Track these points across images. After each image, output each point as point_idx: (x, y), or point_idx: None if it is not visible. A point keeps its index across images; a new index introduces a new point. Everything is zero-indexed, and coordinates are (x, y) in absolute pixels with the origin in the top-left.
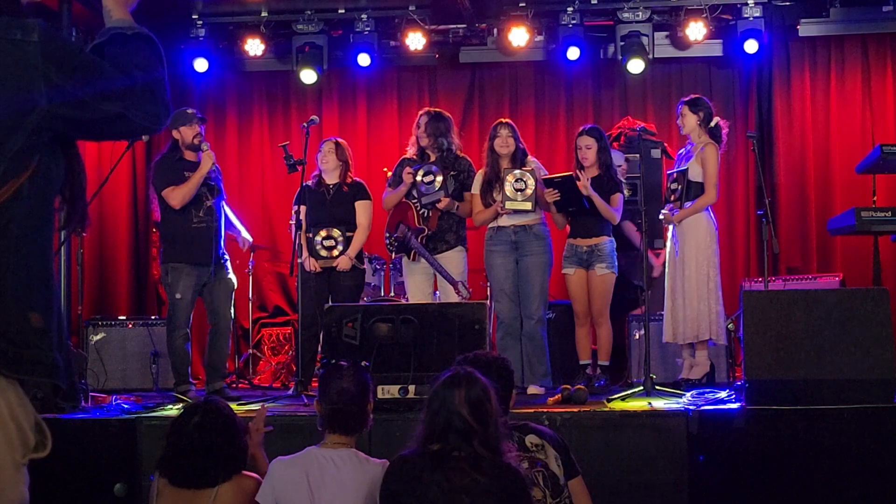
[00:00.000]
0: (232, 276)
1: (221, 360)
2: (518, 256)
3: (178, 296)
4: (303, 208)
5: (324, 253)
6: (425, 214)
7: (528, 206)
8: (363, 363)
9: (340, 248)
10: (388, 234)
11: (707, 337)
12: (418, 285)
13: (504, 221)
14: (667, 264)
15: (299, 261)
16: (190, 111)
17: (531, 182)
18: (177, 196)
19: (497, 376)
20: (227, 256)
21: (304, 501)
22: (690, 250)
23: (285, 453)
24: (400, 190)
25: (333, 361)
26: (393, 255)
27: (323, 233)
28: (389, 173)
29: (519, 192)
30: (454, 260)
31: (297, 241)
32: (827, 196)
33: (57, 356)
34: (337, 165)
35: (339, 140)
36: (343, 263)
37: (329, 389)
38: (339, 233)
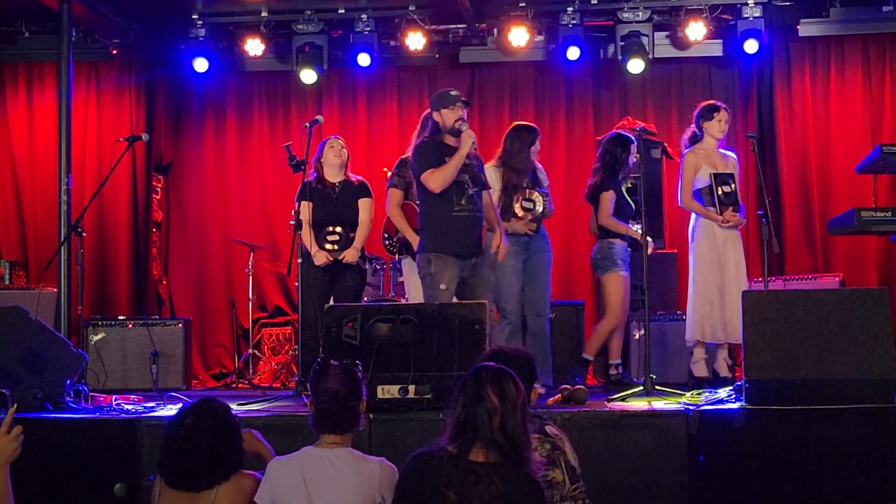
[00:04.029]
0: (488, 269)
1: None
2: (527, 256)
3: (442, 286)
4: (307, 205)
5: (329, 247)
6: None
7: (534, 226)
8: (356, 362)
9: (338, 246)
10: (386, 235)
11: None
12: (420, 285)
13: (520, 228)
14: (699, 264)
15: (299, 261)
16: (454, 92)
17: (539, 204)
18: (436, 179)
19: (519, 370)
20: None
21: (302, 501)
22: (732, 253)
23: (285, 453)
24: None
25: (323, 360)
26: (396, 256)
27: (328, 229)
28: (389, 173)
29: (528, 212)
30: None
31: (296, 241)
32: (827, 196)
33: None
34: (344, 163)
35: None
36: (350, 256)
37: (318, 389)
38: (344, 232)
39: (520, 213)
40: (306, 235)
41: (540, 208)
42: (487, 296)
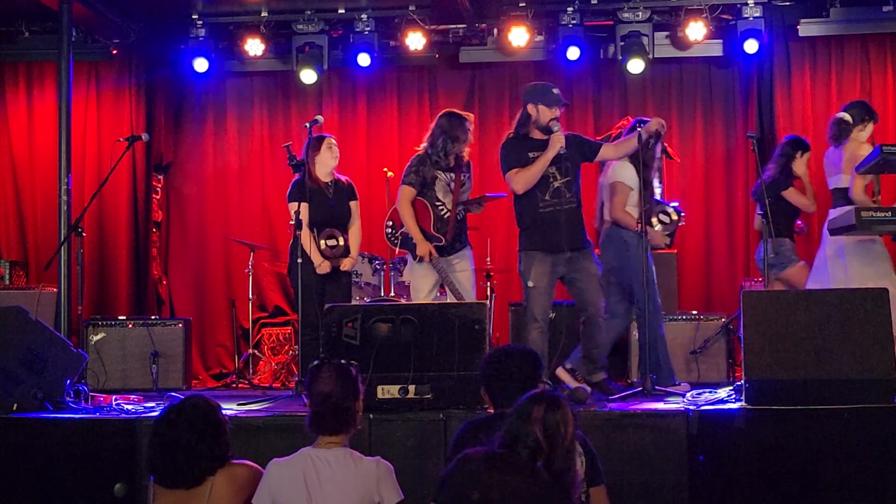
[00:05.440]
0: (593, 263)
1: (598, 350)
2: None
3: (530, 283)
4: (304, 206)
5: (324, 246)
6: (444, 215)
7: (668, 240)
8: (351, 362)
9: (340, 247)
10: (391, 224)
11: None
12: (423, 282)
13: (659, 241)
14: (859, 262)
15: (298, 261)
16: (555, 91)
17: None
18: (518, 181)
19: (524, 369)
20: (588, 243)
21: (302, 502)
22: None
23: (285, 453)
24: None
25: (316, 363)
26: (397, 250)
27: (327, 232)
28: (390, 173)
29: (665, 226)
30: (465, 259)
31: (296, 241)
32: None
33: None
34: (337, 162)
35: None
36: (348, 264)
37: (312, 391)
38: (340, 234)
39: (657, 225)
40: (306, 238)
41: (676, 219)
42: (597, 291)
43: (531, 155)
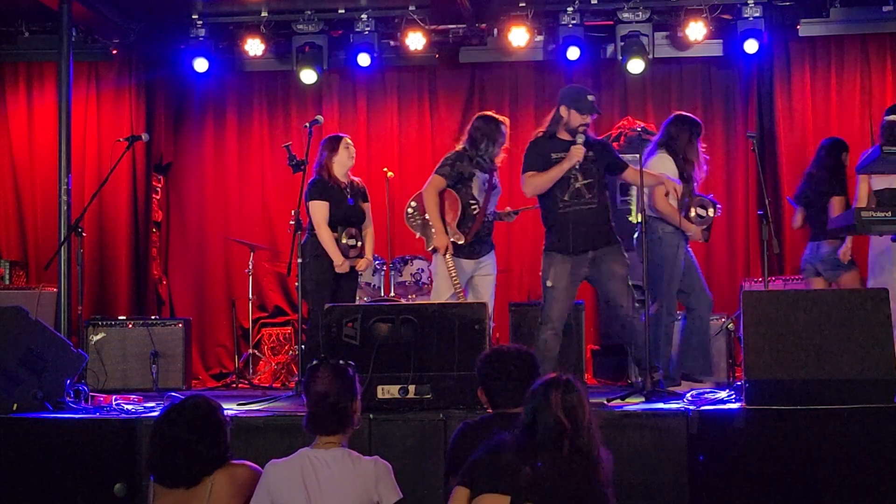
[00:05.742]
0: (619, 263)
1: (638, 352)
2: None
3: (548, 283)
4: (325, 204)
5: (351, 253)
6: (474, 213)
7: (707, 235)
8: (348, 362)
9: (359, 247)
10: (413, 206)
11: None
12: (446, 283)
13: (697, 235)
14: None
15: (299, 260)
16: (591, 98)
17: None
18: (529, 185)
19: (521, 369)
20: (615, 241)
21: (301, 502)
22: None
23: (286, 453)
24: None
25: (314, 363)
26: (417, 235)
27: (347, 233)
28: (390, 173)
29: (702, 220)
30: (490, 264)
31: (296, 241)
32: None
33: None
34: (354, 162)
35: None
36: (363, 265)
37: (308, 391)
38: (357, 232)
39: (693, 217)
40: (328, 237)
41: (713, 214)
42: (622, 292)
43: (553, 156)
